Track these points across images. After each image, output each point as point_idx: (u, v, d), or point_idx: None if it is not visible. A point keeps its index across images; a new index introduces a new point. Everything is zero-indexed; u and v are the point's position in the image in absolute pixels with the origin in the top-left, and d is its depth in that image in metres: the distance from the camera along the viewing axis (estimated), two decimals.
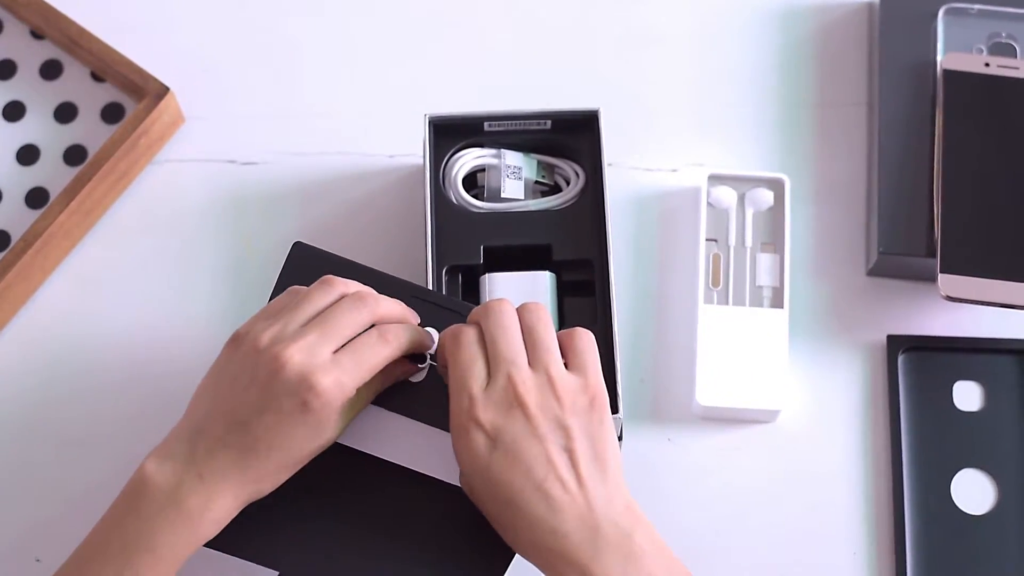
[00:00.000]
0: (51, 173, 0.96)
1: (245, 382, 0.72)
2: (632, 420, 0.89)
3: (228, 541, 0.74)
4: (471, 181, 0.92)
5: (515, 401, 0.71)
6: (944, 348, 0.91)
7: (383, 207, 0.95)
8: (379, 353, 0.73)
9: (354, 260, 0.81)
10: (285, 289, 0.78)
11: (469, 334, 0.73)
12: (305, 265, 0.81)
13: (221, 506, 0.71)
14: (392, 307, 0.76)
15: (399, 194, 0.95)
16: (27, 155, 0.96)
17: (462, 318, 0.77)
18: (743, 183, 0.93)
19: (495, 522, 0.72)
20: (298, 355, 0.71)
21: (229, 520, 0.71)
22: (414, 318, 0.77)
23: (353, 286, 0.76)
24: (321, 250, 0.82)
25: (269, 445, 0.71)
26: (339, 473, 0.77)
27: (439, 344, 0.76)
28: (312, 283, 0.76)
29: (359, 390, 0.73)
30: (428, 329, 0.77)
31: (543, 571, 0.71)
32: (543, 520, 0.69)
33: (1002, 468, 0.88)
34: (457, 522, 0.75)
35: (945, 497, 0.88)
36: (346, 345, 0.73)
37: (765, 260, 0.92)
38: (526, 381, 0.71)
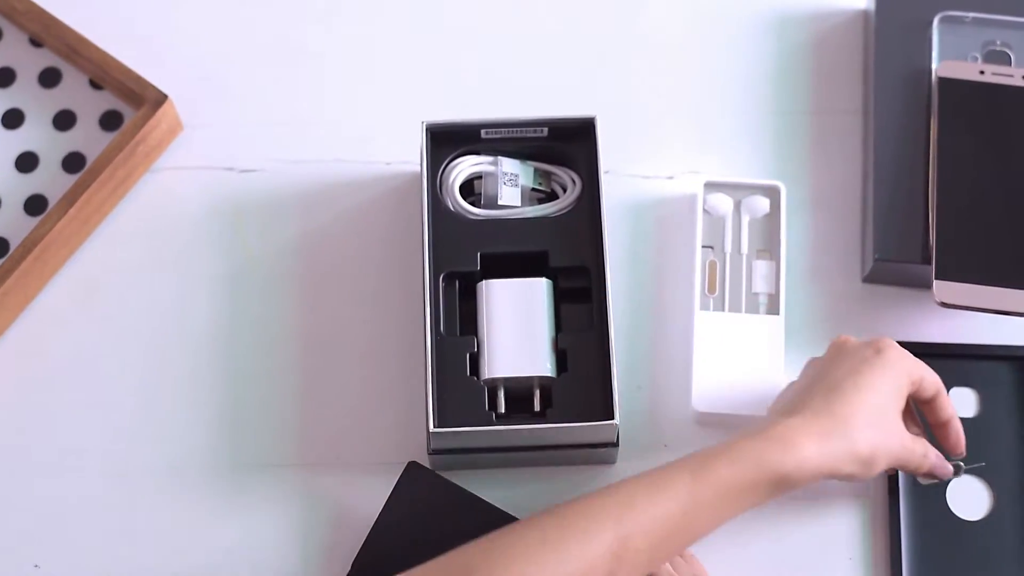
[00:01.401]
0: (50, 180, 0.96)
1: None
2: (628, 426, 0.89)
3: None
4: (468, 188, 0.92)
5: None
6: (939, 354, 0.91)
7: (381, 214, 0.95)
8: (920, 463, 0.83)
9: (464, 488, 0.84)
10: (397, 508, 0.82)
11: None
12: (416, 485, 0.83)
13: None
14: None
15: (397, 201, 0.96)
16: (26, 162, 0.96)
17: None
18: (739, 190, 0.93)
19: None
20: None
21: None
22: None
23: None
24: (434, 473, 0.84)
25: None
26: None
27: None
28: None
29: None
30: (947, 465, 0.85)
31: None
32: None
33: (998, 474, 0.88)
34: None
35: (941, 502, 0.88)
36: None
37: (761, 267, 0.92)
38: None
